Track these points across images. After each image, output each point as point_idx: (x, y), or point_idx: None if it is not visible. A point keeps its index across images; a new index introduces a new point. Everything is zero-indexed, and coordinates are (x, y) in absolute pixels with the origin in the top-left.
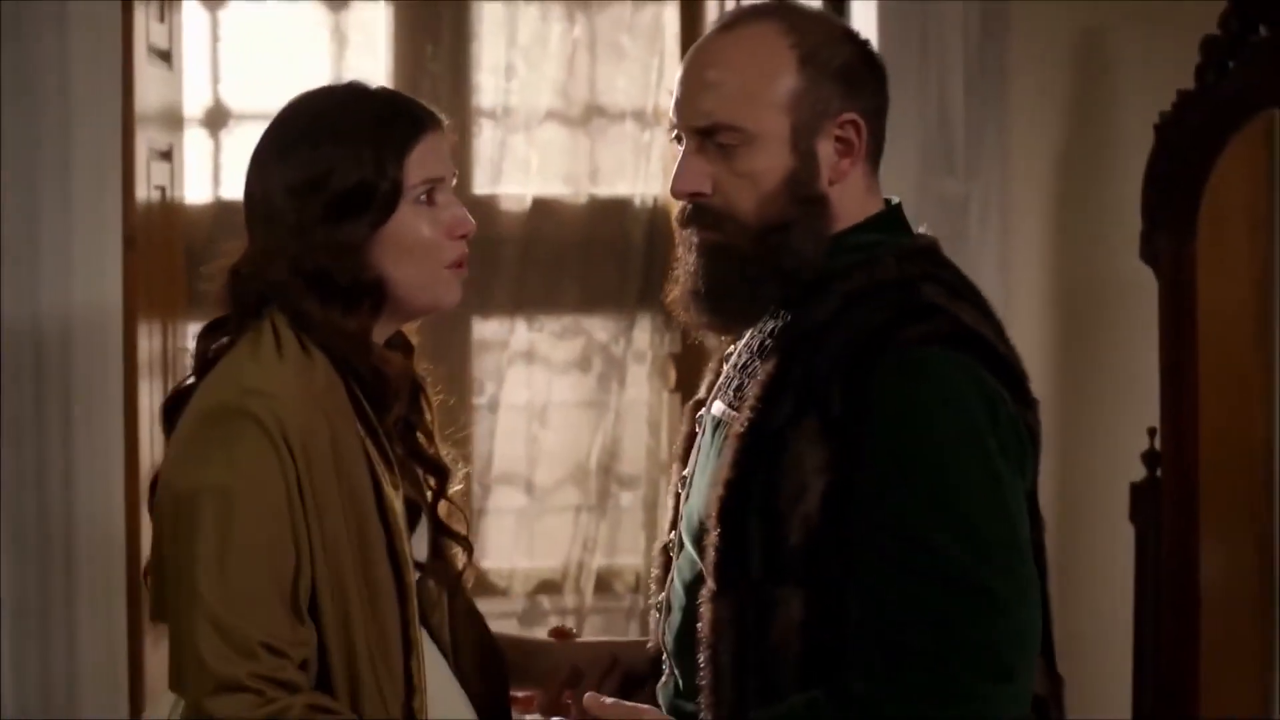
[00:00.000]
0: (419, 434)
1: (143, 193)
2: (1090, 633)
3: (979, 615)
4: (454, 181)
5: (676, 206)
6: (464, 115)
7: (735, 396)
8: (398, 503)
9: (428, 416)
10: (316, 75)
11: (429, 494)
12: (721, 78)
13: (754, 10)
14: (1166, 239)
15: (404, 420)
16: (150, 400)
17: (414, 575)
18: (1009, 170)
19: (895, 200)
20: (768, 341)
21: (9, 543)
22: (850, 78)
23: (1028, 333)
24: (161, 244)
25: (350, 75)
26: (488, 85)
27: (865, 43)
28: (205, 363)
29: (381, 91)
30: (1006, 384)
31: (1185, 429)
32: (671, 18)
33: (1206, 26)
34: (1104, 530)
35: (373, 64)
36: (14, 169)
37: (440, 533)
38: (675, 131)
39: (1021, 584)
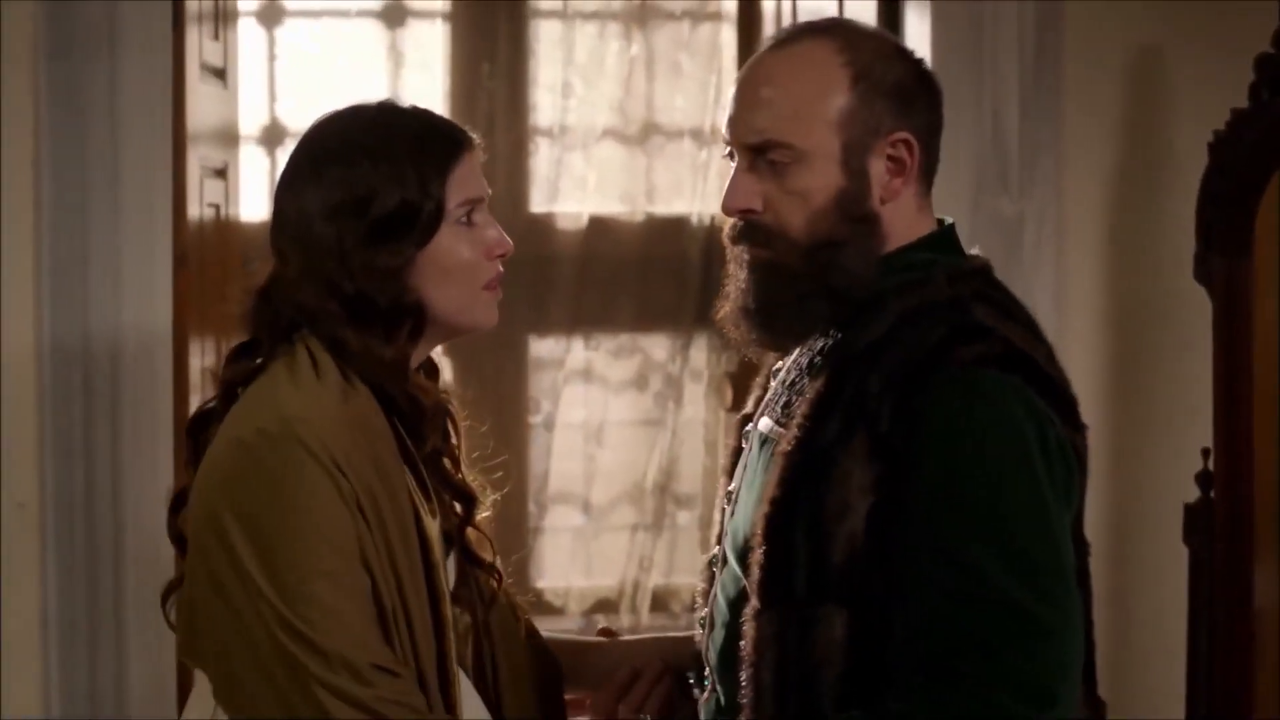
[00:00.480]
0: (445, 460)
1: (195, 211)
2: (1144, 654)
3: (1023, 640)
4: (489, 198)
5: (728, 223)
6: (521, 133)
7: (783, 413)
8: (435, 532)
9: (454, 442)
10: (373, 93)
11: (456, 520)
12: (774, 95)
13: (808, 28)
14: (1221, 258)
15: (444, 445)
16: None
17: (449, 606)
18: (1063, 189)
19: (949, 221)
20: (817, 359)
21: (58, 561)
22: (903, 96)
23: (1081, 352)
24: (216, 261)
25: (408, 94)
26: (545, 103)
27: (919, 61)
28: (233, 387)
29: (416, 111)
30: (1056, 407)
31: (1239, 449)
32: (729, 36)
33: (1261, 44)
34: (1158, 552)
35: (429, 82)
36: (64, 186)
37: (468, 560)
38: (729, 148)
39: (1066, 610)
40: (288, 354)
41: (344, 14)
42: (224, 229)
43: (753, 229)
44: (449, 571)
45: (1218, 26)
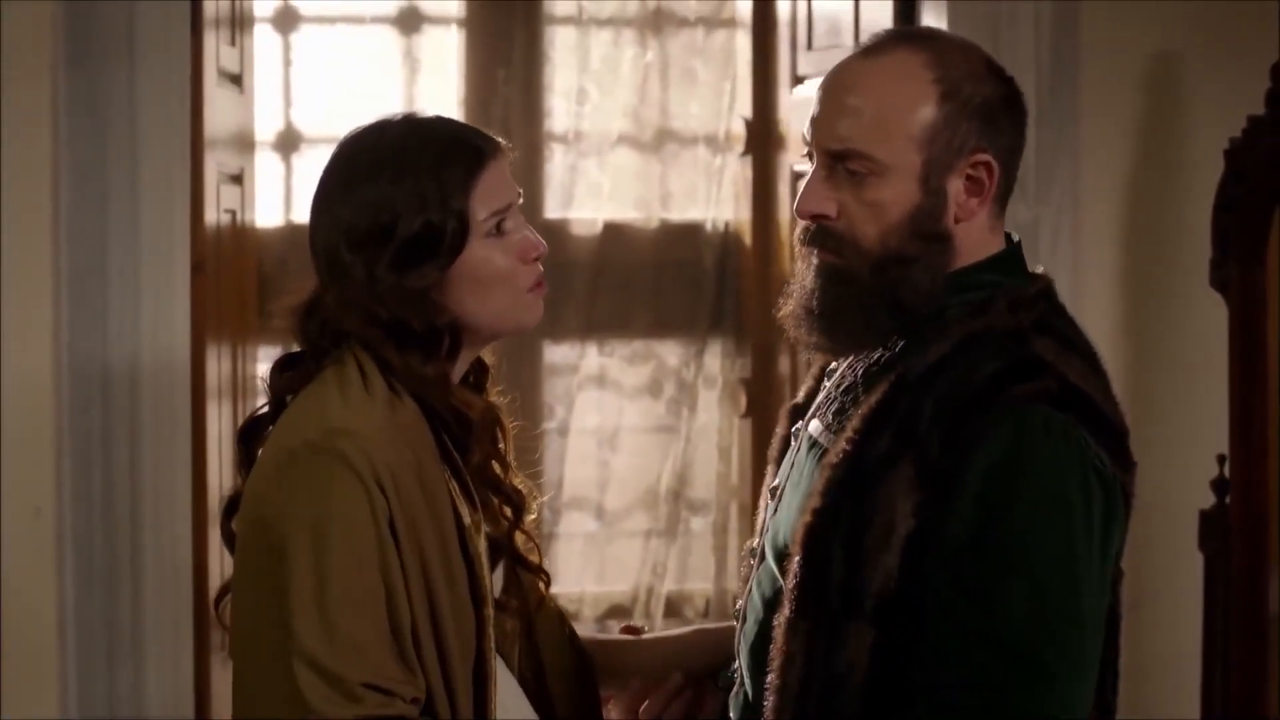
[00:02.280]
0: (495, 464)
1: (212, 216)
2: (1160, 659)
3: (1029, 686)
4: (520, 201)
5: (799, 225)
6: (536, 139)
7: (835, 420)
8: (480, 540)
9: (503, 446)
10: (388, 99)
11: (505, 524)
12: (859, 104)
13: (902, 36)
14: (1236, 266)
15: (492, 448)
16: (219, 425)
17: (492, 610)
18: (1079, 196)
19: (1016, 238)
20: (874, 369)
21: (75, 567)
22: (989, 116)
23: None
24: (232, 267)
25: (423, 100)
26: (560, 110)
27: (1010, 80)
28: (282, 396)
29: (439, 123)
30: (1108, 445)
31: (1255, 456)
32: (743, 42)
33: (1277, 52)
34: (1173, 557)
35: (444, 88)
36: (82, 192)
37: (517, 564)
38: (808, 149)
39: (1078, 660)
40: (337, 363)
41: (359, 20)
42: (240, 235)
43: (824, 234)
44: (497, 576)
45: (1234, 34)
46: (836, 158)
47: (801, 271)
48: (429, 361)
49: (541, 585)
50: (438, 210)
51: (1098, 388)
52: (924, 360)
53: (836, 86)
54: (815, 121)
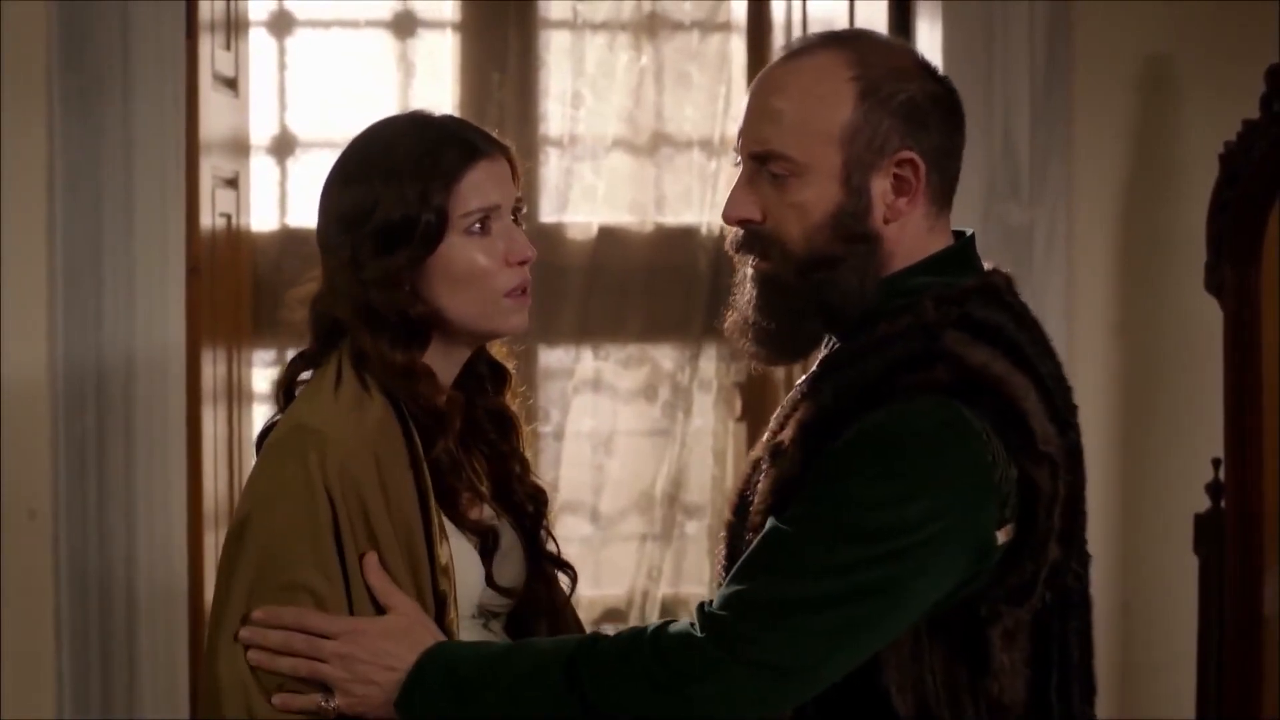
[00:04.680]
0: (514, 463)
1: (207, 220)
2: (1154, 663)
3: (720, 650)
4: (521, 207)
5: (731, 232)
6: (530, 144)
7: (776, 427)
8: (444, 544)
9: (520, 445)
10: (383, 103)
11: (527, 522)
12: (780, 105)
13: (823, 39)
14: (1231, 268)
15: (499, 449)
16: (214, 429)
17: (455, 609)
18: (1074, 198)
19: (969, 233)
20: (812, 374)
21: (70, 570)
22: (914, 115)
23: (1091, 361)
24: (227, 271)
25: (417, 104)
26: (554, 114)
27: (941, 79)
28: (287, 395)
29: (438, 120)
30: (1010, 436)
31: (1250, 459)
32: (738, 47)
33: (1272, 56)
34: (1168, 561)
35: (439, 92)
36: (77, 195)
37: (542, 560)
38: (738, 157)
39: (774, 646)
40: (327, 362)
41: (354, 24)
42: (235, 239)
43: (752, 239)
44: (517, 571)
45: (1229, 37)
46: (759, 160)
47: (741, 280)
48: (398, 349)
49: (568, 578)
50: (416, 201)
51: (1014, 380)
52: (842, 360)
53: (759, 90)
54: (741, 128)
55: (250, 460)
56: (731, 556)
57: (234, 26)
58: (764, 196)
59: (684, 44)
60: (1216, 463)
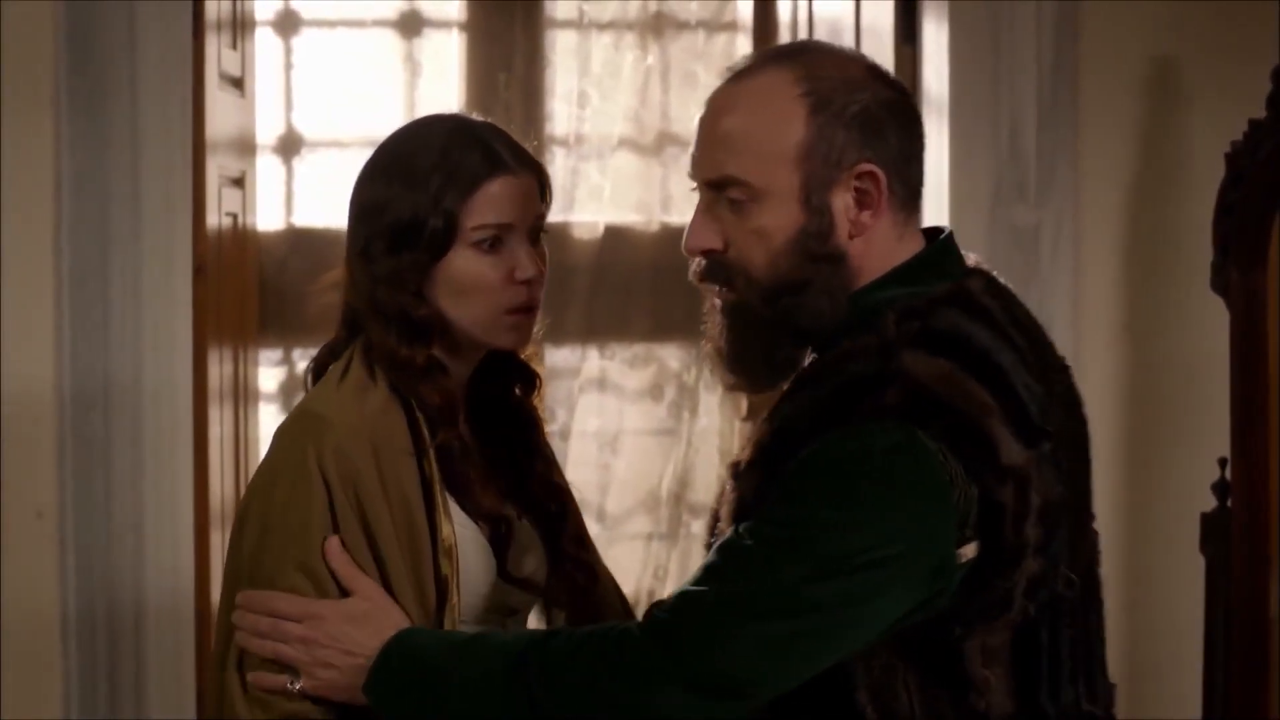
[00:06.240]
0: (537, 462)
1: (214, 220)
2: (1160, 662)
3: (666, 656)
4: (538, 225)
5: (693, 262)
6: (537, 143)
7: (742, 448)
8: (447, 524)
9: (544, 445)
10: (389, 103)
11: (550, 521)
12: (729, 129)
13: (769, 55)
14: (1237, 268)
15: (521, 448)
16: (220, 428)
17: (457, 594)
18: (1080, 199)
19: (945, 234)
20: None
21: (77, 569)
22: (869, 125)
23: (1098, 361)
24: (233, 270)
25: (423, 104)
26: (560, 113)
27: (893, 84)
28: (308, 379)
29: (473, 126)
30: (967, 453)
31: (1256, 459)
32: (744, 45)
33: (1277, 56)
34: (1174, 560)
35: (445, 92)
36: (83, 195)
37: (565, 561)
38: (695, 185)
39: (720, 656)
40: (346, 351)
41: (360, 23)
42: (241, 238)
43: (716, 268)
44: (527, 561)
45: (1235, 38)
46: (716, 188)
47: (710, 310)
48: (404, 343)
49: (594, 568)
50: (428, 205)
51: (970, 395)
52: (807, 378)
53: (709, 115)
54: (693, 155)
55: (256, 459)
56: None
57: (240, 26)
58: (725, 224)
59: (690, 44)
60: (1223, 462)
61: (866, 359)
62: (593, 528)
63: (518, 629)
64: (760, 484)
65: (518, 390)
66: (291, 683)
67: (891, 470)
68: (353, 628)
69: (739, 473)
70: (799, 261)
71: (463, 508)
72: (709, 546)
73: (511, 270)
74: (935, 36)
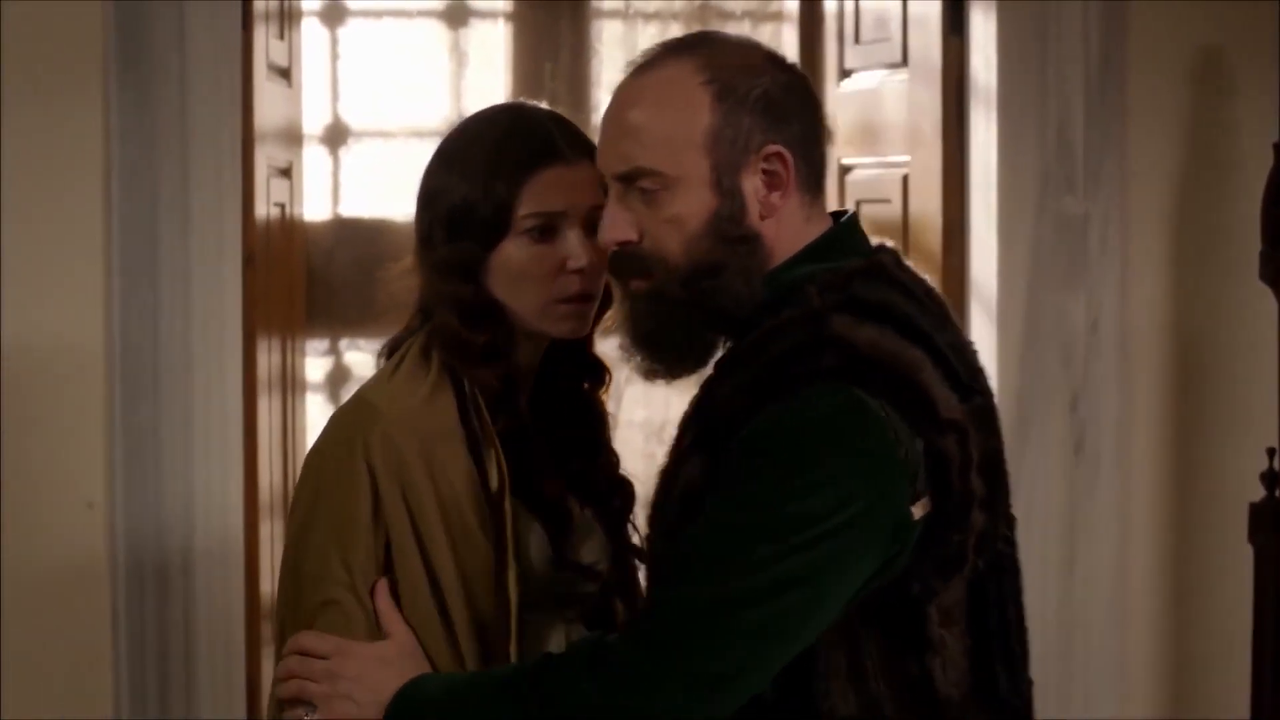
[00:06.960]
0: (602, 455)
1: (262, 210)
2: (1209, 654)
3: (652, 661)
4: (598, 215)
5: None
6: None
7: (679, 437)
8: (507, 504)
9: (609, 439)
10: (435, 94)
11: (613, 514)
12: (636, 121)
13: (670, 47)
14: None
15: (587, 441)
16: (269, 418)
17: (514, 574)
18: (1128, 189)
19: (848, 215)
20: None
21: (127, 562)
22: (772, 108)
23: (1146, 351)
24: (281, 261)
25: (469, 95)
26: (606, 104)
27: (790, 68)
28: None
29: (532, 113)
30: (909, 410)
31: None
32: (790, 37)
33: None
34: (1223, 550)
35: (492, 81)
36: (134, 187)
37: (623, 549)
38: (603, 180)
39: (703, 652)
40: (406, 342)
41: (406, 14)
42: (289, 228)
43: (630, 259)
44: (591, 550)
45: None
46: (626, 180)
47: (618, 302)
48: (466, 327)
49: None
50: (480, 194)
51: (905, 355)
52: (734, 361)
53: (614, 109)
54: (600, 149)
55: (304, 450)
56: (653, 570)
57: (288, 17)
58: (638, 215)
59: (736, 33)
60: (1271, 452)
61: (796, 329)
62: (639, 516)
63: (572, 630)
64: (706, 469)
65: (586, 385)
66: (307, 714)
67: (839, 431)
68: (379, 667)
69: (682, 458)
70: (714, 245)
71: (523, 494)
72: (650, 540)
73: (564, 259)
74: (983, 28)
